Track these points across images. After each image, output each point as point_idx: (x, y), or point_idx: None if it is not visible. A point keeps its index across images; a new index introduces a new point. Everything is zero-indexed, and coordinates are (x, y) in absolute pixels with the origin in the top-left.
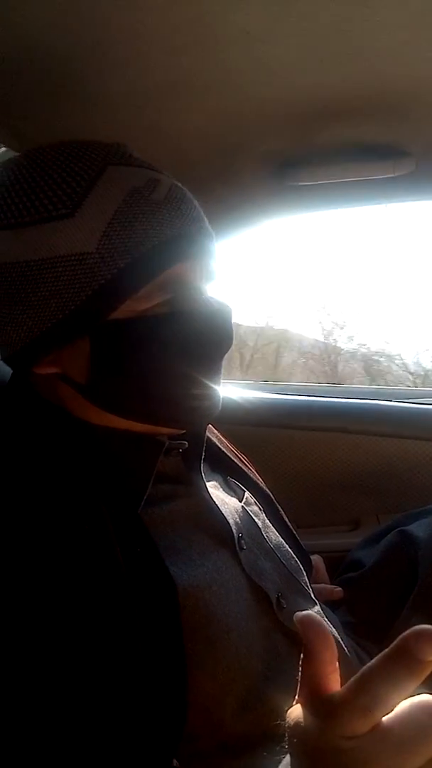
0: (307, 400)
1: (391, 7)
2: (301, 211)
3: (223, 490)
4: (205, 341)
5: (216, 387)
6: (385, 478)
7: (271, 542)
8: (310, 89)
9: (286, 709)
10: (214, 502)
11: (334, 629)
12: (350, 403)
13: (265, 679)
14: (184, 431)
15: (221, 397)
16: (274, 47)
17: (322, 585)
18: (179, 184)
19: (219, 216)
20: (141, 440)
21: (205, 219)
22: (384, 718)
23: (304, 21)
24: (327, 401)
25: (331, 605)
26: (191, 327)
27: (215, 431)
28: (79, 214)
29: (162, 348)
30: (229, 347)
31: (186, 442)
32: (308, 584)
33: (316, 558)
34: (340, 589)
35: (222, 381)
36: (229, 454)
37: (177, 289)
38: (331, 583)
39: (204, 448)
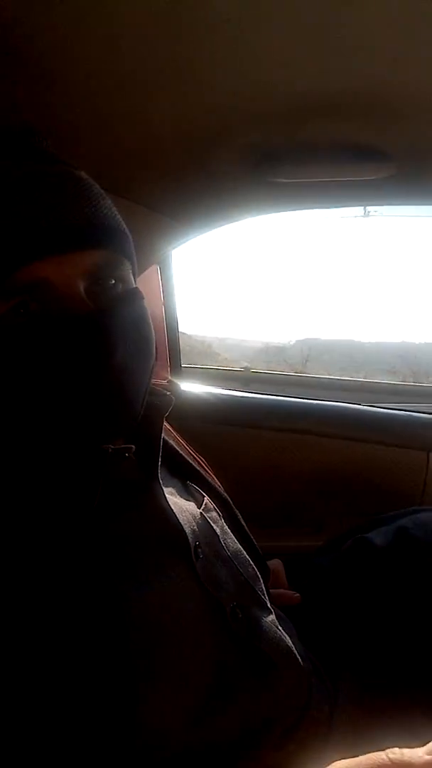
0: (273, 399)
1: (378, 6)
2: (279, 208)
3: (182, 496)
4: (70, 357)
5: (114, 407)
6: (350, 481)
7: (228, 549)
8: (291, 84)
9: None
10: (172, 510)
11: (287, 638)
12: (316, 404)
13: (216, 693)
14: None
15: (136, 411)
16: (256, 38)
17: (281, 590)
18: (53, 172)
19: (192, 209)
20: (79, 451)
21: (100, 207)
22: None
23: (289, 13)
24: (293, 401)
25: (288, 611)
26: (51, 338)
27: (173, 432)
28: None
29: (18, 365)
30: (111, 364)
31: (132, 446)
32: (265, 592)
33: (275, 562)
34: (298, 594)
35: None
36: (187, 457)
37: (36, 293)
38: (290, 588)
39: (160, 454)
